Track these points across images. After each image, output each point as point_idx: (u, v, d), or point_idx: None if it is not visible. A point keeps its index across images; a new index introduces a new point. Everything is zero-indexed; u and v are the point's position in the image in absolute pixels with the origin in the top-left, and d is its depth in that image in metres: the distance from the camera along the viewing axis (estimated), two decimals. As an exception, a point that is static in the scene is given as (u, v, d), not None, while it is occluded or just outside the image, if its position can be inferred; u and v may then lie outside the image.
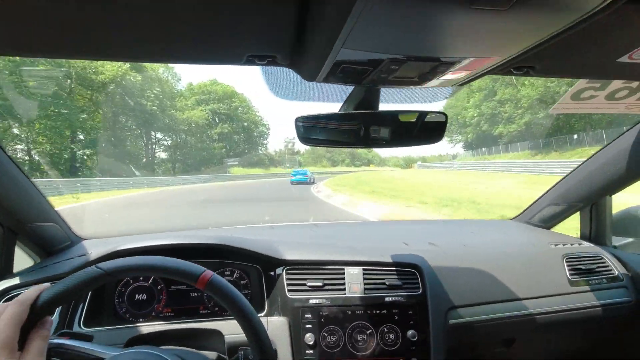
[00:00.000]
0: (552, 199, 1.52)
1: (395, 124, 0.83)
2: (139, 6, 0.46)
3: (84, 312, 1.01)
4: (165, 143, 45.72)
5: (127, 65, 29.69)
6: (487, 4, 0.38)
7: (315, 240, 1.43)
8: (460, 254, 1.26)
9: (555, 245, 1.37)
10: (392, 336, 1.04)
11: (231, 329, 0.98)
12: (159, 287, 1.10)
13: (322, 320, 1.04)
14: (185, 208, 12.30)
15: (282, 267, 1.11)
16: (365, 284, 1.09)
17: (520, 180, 17.13)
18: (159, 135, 43.73)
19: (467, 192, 13.86)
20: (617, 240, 1.48)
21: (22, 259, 1.14)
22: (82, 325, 1.00)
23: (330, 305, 1.05)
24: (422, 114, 0.82)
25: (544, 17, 0.43)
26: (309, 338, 1.01)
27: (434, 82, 0.69)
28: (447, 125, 0.86)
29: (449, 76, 0.65)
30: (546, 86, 28.04)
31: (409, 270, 1.13)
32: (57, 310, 0.98)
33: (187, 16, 0.49)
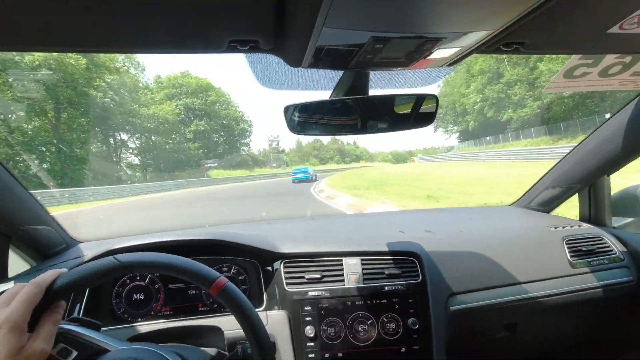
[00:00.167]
0: (549, 182, 1.51)
1: (386, 108, 0.81)
2: None
3: (81, 313, 1.00)
4: (133, 145, 39.16)
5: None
6: None
7: (312, 232, 1.43)
8: (458, 240, 1.26)
9: (555, 228, 1.36)
10: (393, 325, 1.03)
11: (230, 325, 0.98)
12: (157, 286, 1.09)
13: (322, 312, 1.03)
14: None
15: (280, 260, 1.10)
16: (364, 274, 1.08)
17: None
18: (124, 136, 37.16)
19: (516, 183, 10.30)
20: (617, 221, 1.47)
21: (18, 265, 1.14)
22: None
23: (330, 297, 1.04)
24: (413, 97, 0.81)
25: None
26: (309, 330, 1.01)
27: (422, 62, 0.67)
28: (443, 115, 0.85)
29: (436, 55, 0.63)
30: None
31: (407, 259, 1.12)
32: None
33: (165, 3, 0.48)
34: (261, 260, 1.13)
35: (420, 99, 0.82)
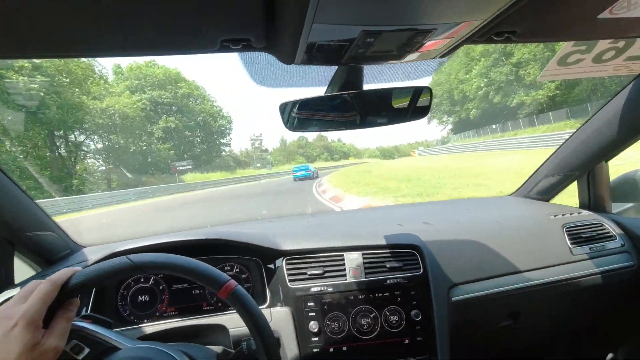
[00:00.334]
0: (548, 170, 1.51)
1: (380, 101, 0.82)
2: None
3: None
4: (93, 147, 31.16)
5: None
6: None
7: (313, 229, 1.43)
8: (458, 231, 1.26)
9: (555, 215, 1.36)
10: (395, 318, 1.04)
11: (235, 323, 0.99)
12: (161, 287, 1.10)
13: (325, 307, 1.04)
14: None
15: (282, 257, 1.11)
16: (365, 268, 1.09)
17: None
18: (79, 137, 28.96)
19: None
20: (617, 207, 1.47)
21: (24, 271, 1.15)
22: None
23: (332, 292, 1.05)
24: (407, 90, 0.82)
25: None
26: (313, 326, 1.01)
27: (414, 55, 0.68)
28: (437, 105, 0.86)
29: (428, 47, 0.64)
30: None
31: (408, 251, 1.13)
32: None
33: (156, 4, 0.48)
34: (263, 258, 1.14)
35: (414, 91, 0.82)
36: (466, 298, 1.10)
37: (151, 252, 0.69)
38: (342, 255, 1.11)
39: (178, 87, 41.74)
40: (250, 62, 0.73)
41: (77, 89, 27.89)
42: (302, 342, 1.01)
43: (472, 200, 1.88)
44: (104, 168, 32.21)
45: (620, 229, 1.32)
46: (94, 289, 1.05)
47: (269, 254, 1.13)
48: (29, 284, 0.57)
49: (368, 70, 0.79)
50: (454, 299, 1.09)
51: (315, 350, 1.00)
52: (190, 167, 37.76)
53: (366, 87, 0.81)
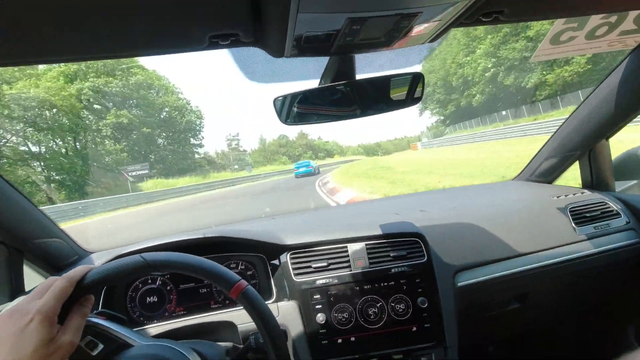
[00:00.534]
0: (549, 152, 1.50)
1: (374, 90, 0.82)
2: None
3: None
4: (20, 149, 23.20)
5: None
6: None
7: (315, 223, 1.44)
8: (461, 217, 1.26)
9: (558, 197, 1.36)
10: (402, 306, 1.05)
11: (242, 319, 1.00)
12: (168, 288, 1.12)
13: (332, 299, 1.04)
14: None
15: (286, 252, 1.12)
16: (369, 258, 1.09)
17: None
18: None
19: None
20: (621, 185, 1.46)
21: (34, 279, 1.17)
22: None
23: (338, 284, 1.05)
24: (399, 77, 0.82)
25: None
26: (320, 318, 1.02)
27: (403, 41, 0.68)
28: (430, 93, 0.86)
29: (416, 32, 0.64)
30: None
31: (411, 240, 1.13)
32: None
33: (143, 4, 0.49)
34: (268, 254, 1.15)
35: (406, 78, 0.82)
36: (472, 283, 1.10)
37: (161, 251, 0.70)
38: (346, 246, 1.11)
39: (130, 74, 33.98)
40: (241, 59, 0.74)
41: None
42: (310, 335, 1.02)
43: (477, 187, 1.88)
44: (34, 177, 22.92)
45: (625, 206, 1.31)
46: (103, 292, 1.06)
47: (273, 250, 1.14)
48: (46, 281, 0.58)
49: (359, 60, 0.79)
50: (459, 284, 1.09)
51: (323, 342, 1.01)
52: (146, 171, 29.39)
53: (359, 76, 0.81)
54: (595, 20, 0.88)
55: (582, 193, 1.38)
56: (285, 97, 0.82)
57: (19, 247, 1.03)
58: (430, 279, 1.07)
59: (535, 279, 1.16)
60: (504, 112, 30.58)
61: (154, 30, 0.56)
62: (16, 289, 1.04)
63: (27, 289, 1.09)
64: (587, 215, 1.27)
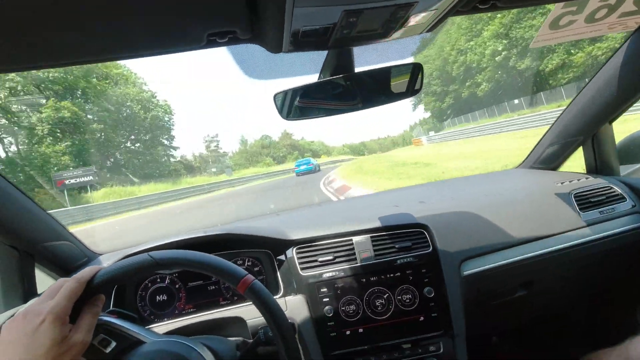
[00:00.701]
0: (552, 139, 1.50)
1: (374, 81, 0.83)
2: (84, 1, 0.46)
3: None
4: None
5: None
6: None
7: (320, 217, 1.45)
8: (465, 206, 1.26)
9: (562, 183, 1.35)
10: (409, 296, 1.05)
11: (252, 314, 1.01)
12: (177, 286, 1.13)
13: (338, 292, 1.05)
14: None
15: (292, 247, 1.13)
16: (374, 250, 1.10)
17: None
18: None
19: None
20: (625, 169, 1.45)
21: (45, 282, 1.18)
22: None
23: (344, 277, 1.06)
24: (398, 68, 0.82)
25: None
26: (328, 311, 1.03)
27: (401, 31, 0.68)
28: (426, 84, 0.86)
29: (413, 22, 0.64)
30: None
31: (416, 231, 1.14)
32: None
33: (141, 5, 0.50)
34: (274, 250, 1.16)
35: (405, 69, 0.83)
36: (478, 271, 1.11)
37: (166, 250, 0.71)
38: (351, 239, 1.12)
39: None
40: (239, 56, 0.74)
41: None
42: (319, 328, 1.03)
43: (481, 176, 1.87)
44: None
45: (630, 190, 1.31)
46: (114, 291, 1.08)
47: (279, 245, 1.15)
48: (56, 282, 0.60)
49: (358, 52, 0.80)
50: (465, 273, 1.10)
51: (332, 334, 1.03)
52: (90, 178, 22.30)
53: (359, 69, 0.81)
54: (594, 3, 0.87)
55: (587, 178, 1.38)
56: (285, 92, 0.82)
57: (30, 250, 1.05)
58: (436, 268, 1.08)
59: (541, 266, 1.16)
60: (516, 101, 26.83)
61: (152, 31, 0.56)
62: (28, 291, 1.06)
63: (39, 291, 1.11)
64: (592, 200, 1.27)
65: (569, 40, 1.01)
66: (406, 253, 1.09)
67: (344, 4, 0.52)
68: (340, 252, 1.10)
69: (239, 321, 1.03)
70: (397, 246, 1.10)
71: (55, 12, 0.47)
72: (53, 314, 0.54)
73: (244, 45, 0.69)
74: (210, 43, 0.61)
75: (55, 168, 23.86)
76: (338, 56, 0.77)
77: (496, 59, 28.12)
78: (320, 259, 1.09)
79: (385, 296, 1.05)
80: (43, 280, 1.16)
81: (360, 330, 1.04)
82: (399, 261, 1.08)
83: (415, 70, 0.83)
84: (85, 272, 0.61)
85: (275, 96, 0.83)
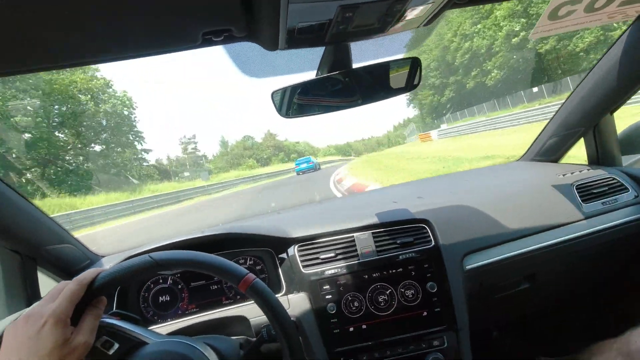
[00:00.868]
0: (553, 130, 1.49)
1: (372, 77, 0.82)
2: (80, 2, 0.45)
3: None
4: None
5: None
6: None
7: (321, 215, 1.45)
8: (466, 200, 1.25)
9: (564, 175, 1.34)
10: (411, 292, 1.05)
11: (255, 313, 1.01)
12: (180, 287, 1.14)
13: (341, 288, 1.05)
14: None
15: (293, 245, 1.13)
16: (376, 246, 1.10)
17: None
18: None
19: None
20: (628, 159, 1.44)
21: (48, 286, 1.19)
22: None
23: (346, 273, 1.06)
24: (396, 63, 0.81)
25: None
26: (331, 308, 1.03)
27: (397, 26, 0.67)
28: (424, 77, 0.85)
29: (410, 15, 0.63)
30: None
31: (418, 226, 1.14)
32: None
33: (136, 6, 0.49)
34: (275, 248, 1.16)
35: (404, 64, 0.82)
36: (480, 265, 1.10)
37: (167, 251, 0.71)
38: (352, 236, 1.12)
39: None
40: (236, 54, 0.74)
41: None
42: (322, 325, 1.03)
43: (483, 169, 1.87)
44: None
45: (633, 180, 1.30)
46: (117, 293, 1.08)
47: (281, 243, 1.15)
48: (58, 285, 0.60)
49: (355, 48, 0.79)
50: (468, 267, 1.09)
51: (335, 331, 1.02)
52: None
53: (356, 65, 0.81)
54: (594, -9, 0.86)
55: (588, 169, 1.37)
56: (284, 90, 0.82)
57: (32, 254, 1.05)
58: (438, 263, 1.08)
59: (544, 258, 1.16)
60: (535, 89, 23.23)
61: (146, 31, 0.56)
62: (31, 295, 1.06)
63: (42, 295, 1.11)
64: (594, 191, 1.26)
65: (569, 30, 0.99)
66: (408, 248, 1.09)
67: None
68: (342, 249, 1.10)
69: (242, 320, 1.04)
70: (398, 242, 1.10)
71: (47, 14, 0.46)
72: (55, 317, 0.54)
73: (240, 44, 0.69)
74: (206, 42, 0.60)
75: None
76: (335, 52, 0.76)
77: (512, 41, 24.15)
78: (321, 257, 1.09)
79: (387, 292, 1.05)
80: (47, 283, 1.17)
81: (364, 326, 1.04)
82: (401, 257, 1.08)
83: (414, 64, 0.82)
84: (87, 275, 0.61)
85: (273, 94, 0.82)
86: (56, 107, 24.84)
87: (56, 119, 24.73)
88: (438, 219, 1.14)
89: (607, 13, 0.94)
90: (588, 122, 1.37)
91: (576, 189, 1.27)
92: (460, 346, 1.05)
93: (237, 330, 1.04)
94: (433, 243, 1.10)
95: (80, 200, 19.18)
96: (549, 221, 1.18)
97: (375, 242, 1.10)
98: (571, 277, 1.34)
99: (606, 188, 1.27)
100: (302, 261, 1.10)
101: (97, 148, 28.01)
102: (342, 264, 1.07)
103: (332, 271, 1.06)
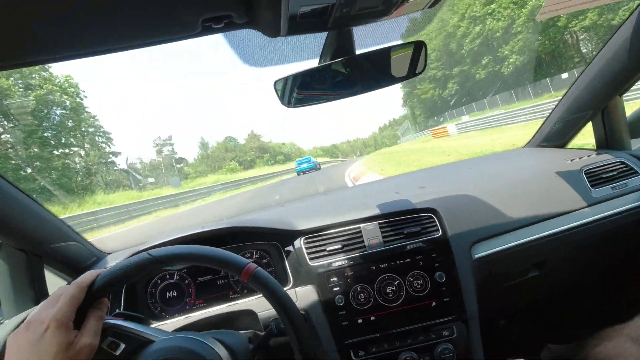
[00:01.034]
0: (560, 115, 1.46)
1: (375, 63, 0.80)
2: None
3: None
4: None
5: None
6: None
7: (326, 206, 1.44)
8: (473, 188, 1.24)
9: (571, 160, 1.32)
10: (420, 282, 1.04)
11: (262, 306, 1.01)
12: (187, 282, 1.13)
13: (349, 280, 1.04)
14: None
15: (299, 237, 1.12)
16: (383, 237, 1.09)
17: None
18: None
19: None
20: (637, 143, 1.42)
21: (57, 283, 1.19)
22: None
23: (354, 265, 1.05)
24: (401, 47, 0.79)
25: None
26: (339, 300, 1.03)
27: (402, 8, 0.65)
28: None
29: None
30: None
31: (424, 215, 1.12)
32: None
33: None
34: (281, 241, 1.15)
35: (407, 48, 0.80)
36: (489, 254, 1.09)
37: (165, 247, 0.70)
38: (359, 227, 1.11)
39: None
40: (237, 42, 0.72)
41: None
42: (331, 317, 1.02)
43: (489, 157, 1.85)
44: None
45: None
46: (124, 290, 1.08)
47: (287, 236, 1.14)
48: (57, 289, 0.60)
49: (358, 33, 0.77)
50: (476, 256, 1.08)
51: (344, 323, 1.02)
52: None
53: (359, 52, 0.79)
54: (602, -31, 0.81)
55: (597, 154, 1.34)
56: (286, 79, 0.80)
57: (38, 252, 1.05)
58: (446, 253, 1.07)
59: (553, 245, 1.14)
60: (564, 76, 19.66)
61: (145, 20, 0.54)
62: (39, 293, 1.06)
63: (50, 292, 1.11)
64: (604, 176, 1.24)
65: (575, 9, 0.97)
66: (415, 238, 1.08)
67: None
68: (349, 241, 1.09)
69: (250, 314, 1.03)
70: (405, 232, 1.09)
71: (41, 5, 0.45)
72: (56, 321, 0.54)
73: (240, 33, 0.67)
74: (206, 30, 0.58)
75: None
76: (338, 38, 0.74)
77: (536, 15, 20.33)
78: (328, 248, 1.08)
79: (396, 283, 1.04)
80: (55, 281, 1.17)
81: (372, 318, 1.03)
82: (408, 247, 1.06)
83: (417, 49, 0.80)
84: (85, 277, 0.61)
85: (275, 83, 0.81)
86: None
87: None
88: (445, 208, 1.13)
89: (617, -9, 0.91)
90: (596, 106, 1.34)
91: (585, 174, 1.24)
92: (470, 336, 1.04)
93: (245, 324, 1.04)
94: (441, 232, 1.09)
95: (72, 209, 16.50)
96: (558, 207, 1.16)
97: (382, 232, 1.09)
98: (581, 263, 1.33)
99: (615, 172, 1.25)
100: (308, 253, 1.09)
101: (35, 149, 20.93)
102: (349, 255, 1.06)
103: (339, 263, 1.06)
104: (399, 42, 0.81)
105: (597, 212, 1.17)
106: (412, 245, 1.07)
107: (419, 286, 1.04)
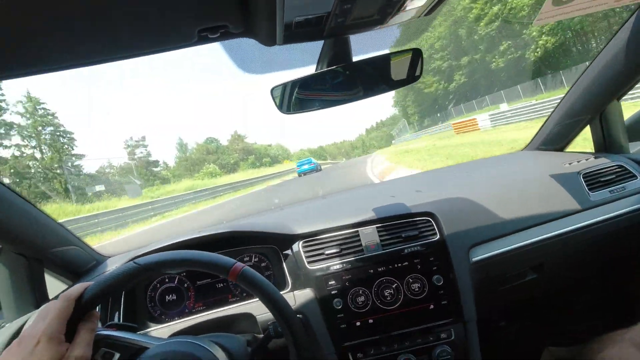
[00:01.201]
0: (558, 119, 1.46)
1: (373, 70, 0.81)
2: (71, 3, 0.44)
3: (120, 320, 1.06)
4: None
5: None
6: None
7: (324, 210, 1.44)
8: (470, 192, 1.24)
9: (570, 163, 1.32)
10: (418, 285, 1.05)
11: (261, 310, 1.02)
12: (186, 285, 1.14)
13: (347, 284, 1.05)
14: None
15: (298, 241, 1.13)
16: (381, 240, 1.09)
17: None
18: None
19: None
20: (635, 146, 1.42)
21: (58, 287, 1.20)
22: None
23: (352, 268, 1.06)
24: (397, 54, 0.80)
25: None
26: (337, 303, 1.03)
27: (397, 17, 0.66)
28: (426, 62, 0.83)
29: (410, 5, 0.62)
30: None
31: (422, 219, 1.13)
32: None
33: (128, 5, 0.48)
34: (280, 245, 1.16)
35: (405, 55, 0.80)
36: (487, 257, 1.09)
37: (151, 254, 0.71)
38: (357, 231, 1.11)
39: None
40: (233, 51, 0.72)
41: None
42: (329, 320, 1.03)
43: (487, 160, 1.84)
44: None
45: None
46: (124, 294, 1.09)
47: (285, 240, 1.14)
48: (46, 304, 0.60)
49: (355, 41, 0.77)
50: (474, 259, 1.09)
51: (342, 326, 1.02)
52: None
53: (356, 58, 0.79)
54: (599, -25, 0.83)
55: (595, 157, 1.34)
56: (284, 85, 0.81)
57: (38, 257, 1.06)
58: (444, 256, 1.07)
59: (551, 248, 1.15)
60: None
61: (142, 30, 0.55)
62: (40, 297, 1.07)
63: (50, 297, 1.12)
64: (602, 179, 1.24)
65: (573, 15, 0.97)
66: (413, 242, 1.08)
67: None
68: (347, 244, 1.09)
69: (248, 317, 1.04)
70: (403, 235, 1.09)
71: (37, 15, 0.45)
72: (47, 335, 0.54)
73: (237, 40, 0.67)
74: (202, 39, 0.59)
75: None
76: (334, 46, 0.75)
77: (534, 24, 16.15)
78: (326, 252, 1.09)
79: (394, 286, 1.05)
80: (57, 286, 1.18)
81: (371, 320, 1.03)
82: (406, 250, 1.07)
83: (415, 55, 0.81)
84: (73, 290, 0.61)
85: (272, 90, 0.81)
86: None
87: None
88: (443, 212, 1.13)
89: (613, -4, 0.91)
90: (594, 109, 1.34)
91: (583, 177, 1.25)
92: (468, 338, 1.04)
93: (243, 327, 1.05)
94: (438, 236, 1.09)
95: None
96: (555, 211, 1.17)
97: (379, 236, 1.10)
98: (579, 266, 1.33)
99: (613, 176, 1.25)
100: (306, 257, 1.09)
101: None
102: (347, 259, 1.07)
103: (337, 266, 1.06)
104: (397, 49, 0.81)
105: (595, 215, 1.17)
106: (409, 249, 1.07)
107: (417, 289, 1.05)
